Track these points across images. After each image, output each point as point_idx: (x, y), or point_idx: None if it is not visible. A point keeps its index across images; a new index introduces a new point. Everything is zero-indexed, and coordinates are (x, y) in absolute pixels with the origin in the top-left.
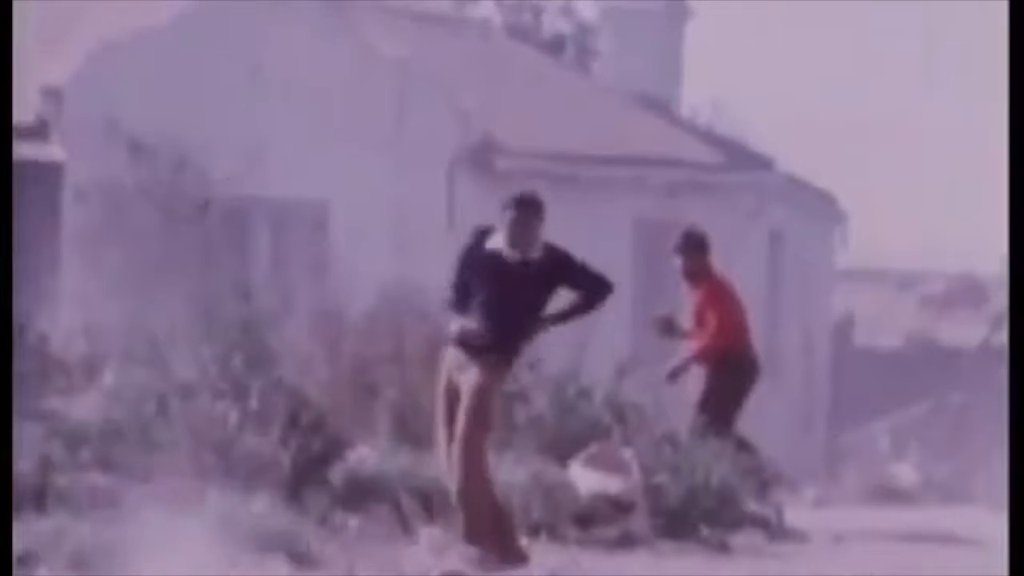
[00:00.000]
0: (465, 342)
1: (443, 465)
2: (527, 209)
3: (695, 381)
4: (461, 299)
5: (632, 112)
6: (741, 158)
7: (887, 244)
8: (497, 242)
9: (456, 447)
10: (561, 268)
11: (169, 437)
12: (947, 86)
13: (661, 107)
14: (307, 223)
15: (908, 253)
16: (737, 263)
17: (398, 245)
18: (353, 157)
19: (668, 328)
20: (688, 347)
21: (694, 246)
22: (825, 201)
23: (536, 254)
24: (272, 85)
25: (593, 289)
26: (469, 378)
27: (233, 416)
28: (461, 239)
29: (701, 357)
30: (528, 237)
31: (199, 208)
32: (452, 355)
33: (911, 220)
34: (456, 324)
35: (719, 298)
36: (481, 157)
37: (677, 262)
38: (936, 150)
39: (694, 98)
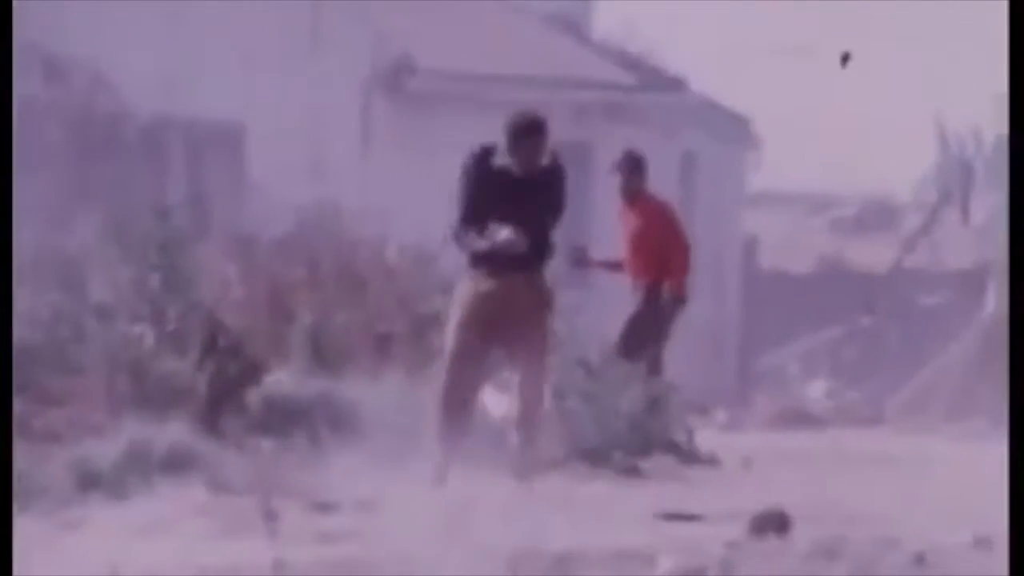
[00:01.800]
0: (502, 253)
1: (466, 397)
2: (536, 129)
3: (612, 305)
4: (469, 225)
5: (545, 33)
6: (654, 80)
7: (798, 168)
8: (501, 160)
9: (533, 376)
10: (558, 180)
11: (84, 360)
12: (867, 12)
13: (573, 28)
14: (223, 145)
15: (819, 177)
16: (650, 185)
17: (314, 167)
18: (269, 78)
19: (580, 260)
20: (622, 271)
21: (633, 166)
22: (738, 124)
23: (545, 162)
24: (187, 4)
25: (561, 212)
26: (517, 304)
27: (149, 338)
28: (375, 160)
29: (677, 291)
30: (538, 156)
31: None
32: (478, 282)
33: (822, 144)
34: (490, 237)
35: (672, 224)
36: (395, 78)
37: (616, 180)
38: (849, 75)
39: (606, 19)
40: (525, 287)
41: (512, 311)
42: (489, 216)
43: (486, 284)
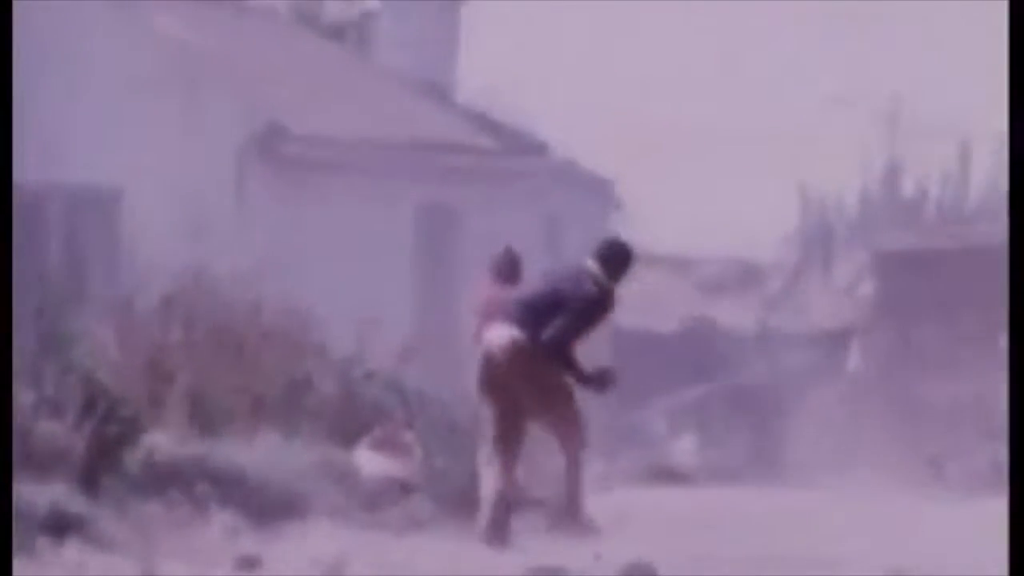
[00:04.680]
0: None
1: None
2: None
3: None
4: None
5: (412, 98)
6: (517, 143)
7: (661, 229)
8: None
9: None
10: None
11: None
12: (729, 76)
13: (439, 93)
14: (100, 209)
15: (682, 238)
16: (514, 247)
17: (190, 231)
18: (145, 143)
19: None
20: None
21: (510, 266)
22: (602, 185)
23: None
24: (63, 71)
25: None
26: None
27: (28, 401)
28: (250, 224)
29: None
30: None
31: None
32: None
33: (685, 206)
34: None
35: None
36: (268, 143)
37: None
38: (713, 137)
39: (470, 85)
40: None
41: None
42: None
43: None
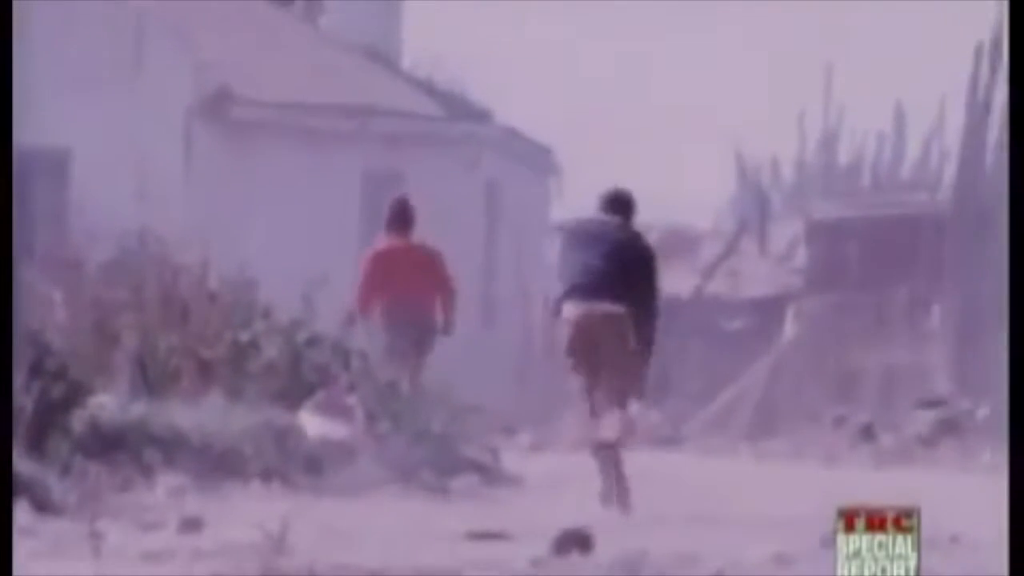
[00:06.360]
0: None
1: None
2: None
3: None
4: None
5: (358, 63)
6: (459, 110)
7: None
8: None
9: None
10: None
11: None
12: (666, 45)
13: (384, 59)
14: (49, 170)
15: None
16: (455, 212)
17: (138, 193)
18: (94, 104)
19: None
20: None
21: (401, 214)
22: (541, 153)
23: None
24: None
25: None
26: None
27: None
28: (198, 187)
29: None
30: None
31: None
32: None
33: (623, 173)
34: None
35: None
36: (216, 106)
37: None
38: (653, 108)
39: (414, 52)
40: None
41: None
42: None
43: None
